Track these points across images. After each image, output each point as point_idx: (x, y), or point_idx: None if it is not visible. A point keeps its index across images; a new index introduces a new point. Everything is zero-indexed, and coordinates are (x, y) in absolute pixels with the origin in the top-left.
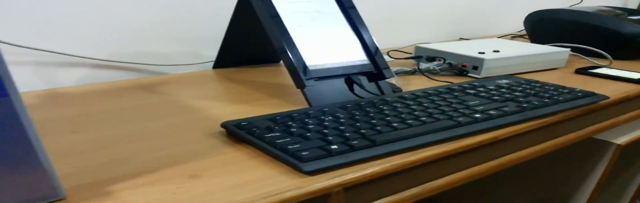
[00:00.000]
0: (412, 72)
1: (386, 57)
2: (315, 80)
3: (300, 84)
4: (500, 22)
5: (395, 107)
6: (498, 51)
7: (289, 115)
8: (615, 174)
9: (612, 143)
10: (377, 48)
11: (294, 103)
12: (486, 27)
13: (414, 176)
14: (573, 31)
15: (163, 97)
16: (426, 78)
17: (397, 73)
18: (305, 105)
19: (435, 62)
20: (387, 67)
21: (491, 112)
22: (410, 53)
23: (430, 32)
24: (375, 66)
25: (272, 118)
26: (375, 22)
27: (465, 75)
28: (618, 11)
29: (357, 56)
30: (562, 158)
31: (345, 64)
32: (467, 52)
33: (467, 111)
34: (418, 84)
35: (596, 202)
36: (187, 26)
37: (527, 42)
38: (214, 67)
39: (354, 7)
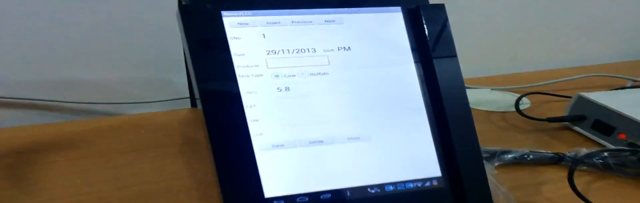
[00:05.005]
0: (576, 163)
1: (488, 96)
2: None
3: None
4: None
5: None
6: None
7: None
8: None
9: None
10: (475, 147)
11: None
12: None
13: None
14: None
15: None
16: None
17: (523, 158)
18: None
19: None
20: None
21: None
22: (553, 95)
23: (589, 48)
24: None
25: None
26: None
27: None
28: None
29: (420, 167)
30: None
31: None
32: None
33: None
34: None
35: None
36: (142, 39)
37: None
38: (194, 105)
39: (454, 56)
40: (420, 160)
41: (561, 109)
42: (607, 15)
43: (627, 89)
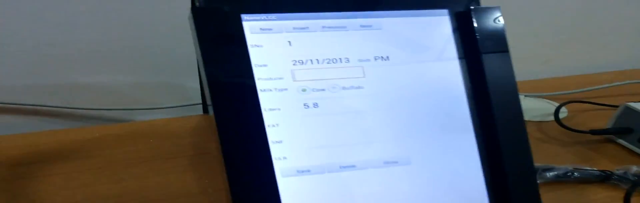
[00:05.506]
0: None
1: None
2: None
3: None
4: None
5: None
6: None
7: None
8: None
9: None
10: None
11: None
12: None
13: None
14: None
15: None
16: None
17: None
18: None
19: None
20: None
21: None
22: (596, 104)
23: (628, 52)
24: None
25: None
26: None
27: None
28: None
29: (466, 195)
30: None
31: None
32: None
33: None
34: None
35: None
36: (151, 41)
37: None
38: (206, 111)
39: (510, 68)
40: (466, 187)
41: (601, 118)
42: None
43: None
